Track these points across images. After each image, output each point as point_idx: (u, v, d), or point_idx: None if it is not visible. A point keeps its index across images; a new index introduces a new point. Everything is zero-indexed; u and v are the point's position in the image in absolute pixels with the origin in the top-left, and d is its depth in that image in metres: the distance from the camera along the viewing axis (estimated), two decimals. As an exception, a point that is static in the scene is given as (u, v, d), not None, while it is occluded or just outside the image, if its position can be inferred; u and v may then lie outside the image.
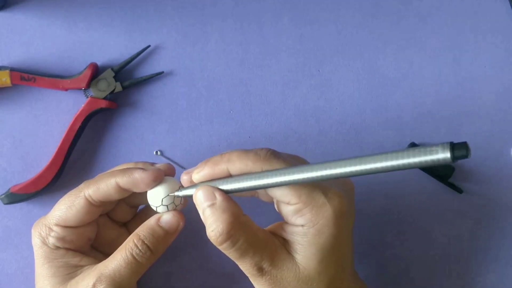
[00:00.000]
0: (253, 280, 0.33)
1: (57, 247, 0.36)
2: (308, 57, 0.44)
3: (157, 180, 0.35)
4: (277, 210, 0.34)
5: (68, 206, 0.35)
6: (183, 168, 0.43)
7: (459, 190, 0.43)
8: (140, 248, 0.34)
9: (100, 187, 0.35)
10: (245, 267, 0.32)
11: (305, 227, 0.31)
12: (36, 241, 0.36)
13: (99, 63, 0.44)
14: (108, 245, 0.38)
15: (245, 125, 0.44)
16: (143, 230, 0.35)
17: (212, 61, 0.44)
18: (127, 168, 0.36)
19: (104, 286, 0.33)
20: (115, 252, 0.35)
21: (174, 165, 0.43)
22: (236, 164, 0.32)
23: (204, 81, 0.44)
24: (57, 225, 0.36)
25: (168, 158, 0.44)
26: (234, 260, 0.33)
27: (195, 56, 0.44)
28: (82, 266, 0.36)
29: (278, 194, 0.32)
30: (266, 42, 0.44)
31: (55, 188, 0.42)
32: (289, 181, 0.29)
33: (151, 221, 0.35)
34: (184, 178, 0.35)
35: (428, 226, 0.44)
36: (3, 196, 0.42)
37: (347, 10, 0.45)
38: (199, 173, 0.33)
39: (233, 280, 0.42)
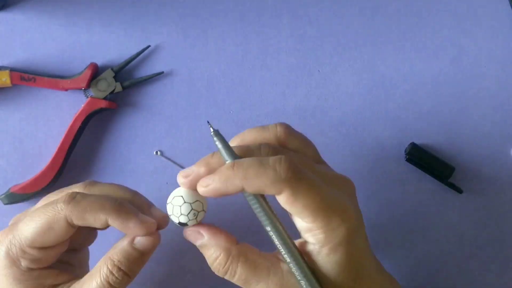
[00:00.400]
0: None
1: (31, 269, 0.33)
2: (308, 57, 0.44)
3: (148, 234, 0.33)
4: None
5: (46, 228, 0.32)
6: (183, 168, 0.43)
7: (459, 190, 0.43)
8: (116, 275, 0.31)
9: (86, 217, 0.32)
10: None
11: (317, 246, 0.30)
12: (4, 262, 0.32)
13: (99, 63, 0.44)
14: (76, 243, 0.36)
15: (245, 125, 0.44)
16: (116, 254, 0.32)
17: (212, 61, 0.44)
18: (122, 209, 0.32)
19: None
20: (88, 276, 0.32)
21: (174, 165, 0.43)
22: (253, 182, 0.29)
23: (204, 81, 0.44)
24: (32, 247, 0.32)
25: (168, 158, 0.44)
26: None
27: (195, 56, 0.44)
28: (56, 285, 0.33)
29: (299, 209, 0.29)
30: (266, 42, 0.44)
31: (55, 188, 0.42)
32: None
33: (124, 243, 0.32)
34: (182, 182, 0.31)
35: (428, 226, 0.44)
36: (3, 196, 0.42)
37: (346, 10, 0.45)
38: (208, 186, 0.30)
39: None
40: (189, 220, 0.32)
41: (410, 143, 0.43)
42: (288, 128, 0.33)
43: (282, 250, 0.31)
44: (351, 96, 0.44)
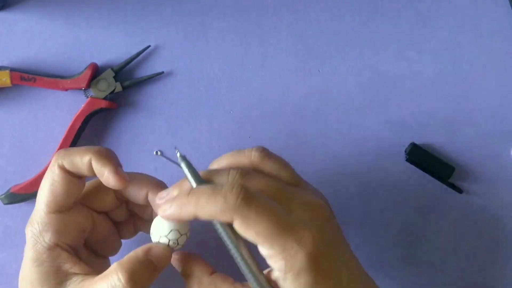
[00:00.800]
0: None
1: (53, 245, 0.34)
2: (308, 57, 0.44)
3: (121, 187, 0.34)
4: None
5: (51, 184, 0.34)
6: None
7: (459, 190, 0.43)
8: (124, 283, 0.31)
9: (74, 159, 0.34)
10: None
11: (281, 273, 0.30)
12: (29, 242, 0.34)
13: (99, 63, 0.44)
14: (100, 243, 0.38)
15: (245, 125, 0.44)
16: (129, 262, 0.32)
17: (212, 61, 0.44)
18: (104, 155, 0.34)
19: None
20: (99, 278, 0.32)
21: (174, 165, 0.43)
22: (204, 209, 0.30)
23: (204, 81, 0.44)
24: (48, 213, 0.34)
25: (168, 158, 0.43)
26: None
27: (195, 56, 0.44)
28: (71, 275, 0.34)
29: (253, 236, 0.30)
30: (266, 42, 0.44)
31: (55, 188, 0.42)
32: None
33: (138, 253, 0.32)
34: (157, 203, 0.33)
35: (428, 225, 0.43)
36: (3, 196, 0.42)
37: (347, 10, 0.45)
38: (165, 212, 0.31)
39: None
40: (173, 247, 0.34)
41: (410, 143, 0.43)
42: (263, 152, 0.34)
43: (245, 272, 0.31)
44: (351, 96, 0.44)
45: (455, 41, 0.45)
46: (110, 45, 0.44)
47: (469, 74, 0.44)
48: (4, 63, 0.44)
